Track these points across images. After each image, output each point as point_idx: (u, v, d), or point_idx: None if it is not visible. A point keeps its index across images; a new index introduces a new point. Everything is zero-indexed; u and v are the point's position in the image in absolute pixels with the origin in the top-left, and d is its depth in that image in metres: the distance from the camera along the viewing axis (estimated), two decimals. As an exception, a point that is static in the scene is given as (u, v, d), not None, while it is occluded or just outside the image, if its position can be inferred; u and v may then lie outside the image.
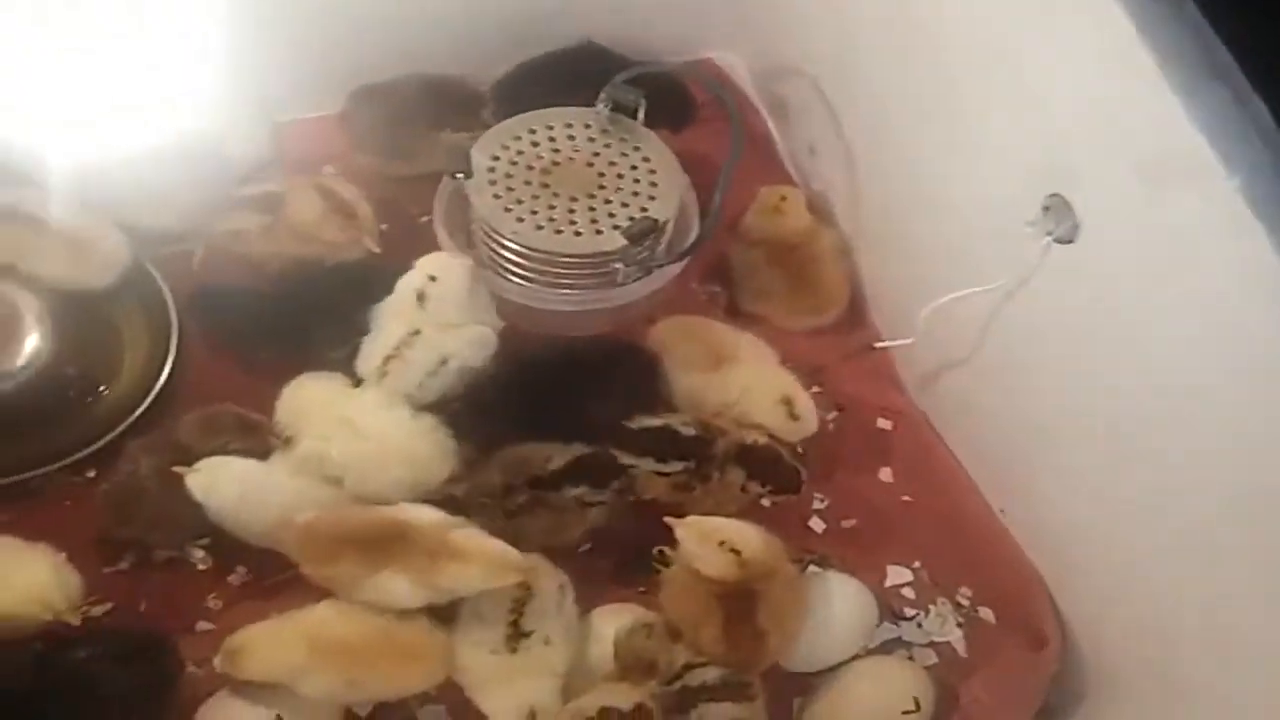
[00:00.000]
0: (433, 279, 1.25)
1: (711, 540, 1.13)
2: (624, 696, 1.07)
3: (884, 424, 1.40)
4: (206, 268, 1.41)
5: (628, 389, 1.27)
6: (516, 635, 1.12)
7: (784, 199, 1.44)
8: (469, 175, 1.31)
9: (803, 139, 1.58)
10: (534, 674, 1.12)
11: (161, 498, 1.18)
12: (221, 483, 1.17)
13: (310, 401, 1.24)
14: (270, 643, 1.09)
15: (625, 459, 1.22)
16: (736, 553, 1.12)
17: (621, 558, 1.25)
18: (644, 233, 1.28)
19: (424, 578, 1.10)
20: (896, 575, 1.28)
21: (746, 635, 1.12)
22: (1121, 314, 1.07)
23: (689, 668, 1.12)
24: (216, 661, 1.09)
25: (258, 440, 1.24)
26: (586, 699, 1.09)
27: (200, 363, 1.36)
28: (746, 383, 1.29)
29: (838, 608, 1.20)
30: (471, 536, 1.11)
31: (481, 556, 1.10)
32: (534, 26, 1.49)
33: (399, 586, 1.10)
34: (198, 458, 1.19)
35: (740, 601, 1.12)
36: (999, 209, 1.15)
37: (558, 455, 1.19)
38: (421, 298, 1.24)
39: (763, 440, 1.24)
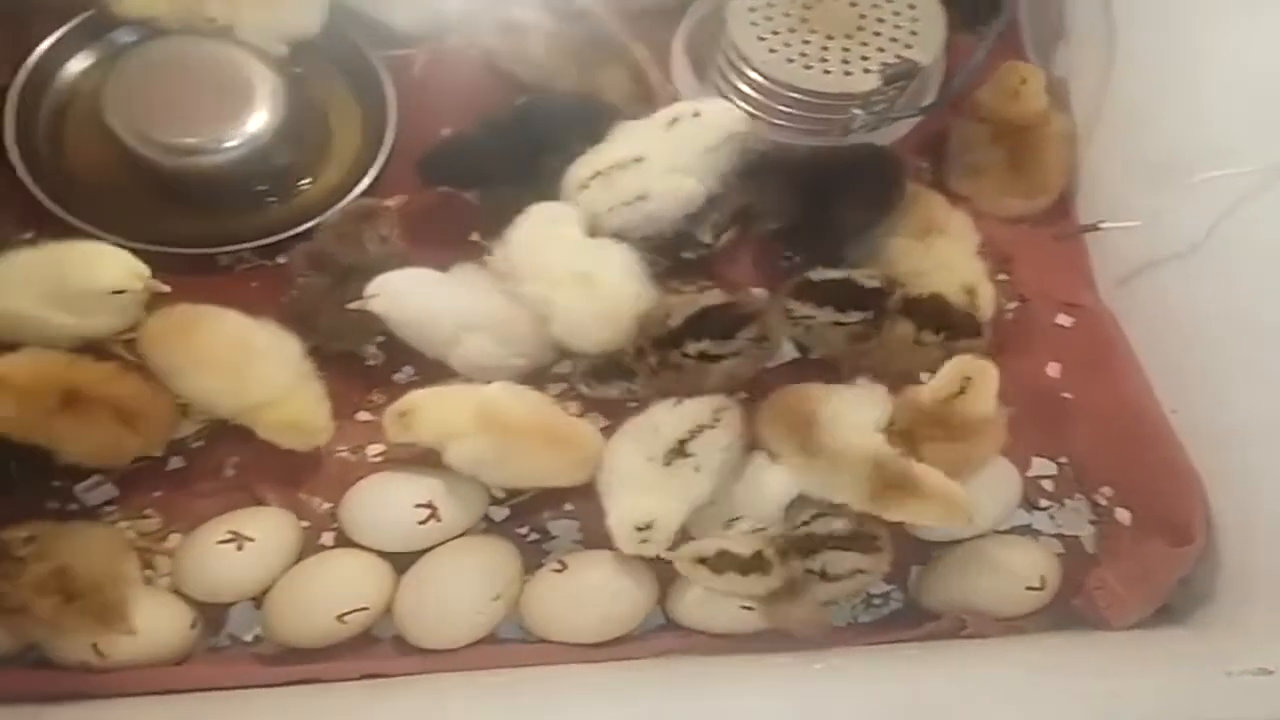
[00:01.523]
0: (696, 114, 1.24)
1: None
2: (745, 544, 1.10)
3: (1064, 320, 1.37)
4: (427, 73, 1.42)
5: (870, 194, 1.26)
6: (677, 453, 1.13)
7: (1025, 80, 1.38)
8: None
9: (1055, 19, 1.49)
10: (670, 494, 1.13)
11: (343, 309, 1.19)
12: (401, 297, 1.19)
13: (544, 237, 1.22)
14: (439, 405, 1.14)
15: (804, 310, 1.21)
16: None
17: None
18: (902, 75, 1.28)
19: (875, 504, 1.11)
20: (1040, 467, 1.29)
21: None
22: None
23: (818, 516, 1.13)
24: (385, 426, 1.15)
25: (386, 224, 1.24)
26: (707, 541, 1.12)
27: (409, 170, 1.34)
28: (942, 259, 1.27)
29: (979, 483, 1.17)
30: (932, 473, 1.11)
31: (942, 497, 1.10)
32: None
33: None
34: (342, 265, 1.21)
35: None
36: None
37: (677, 311, 1.18)
38: (674, 122, 1.24)
39: (929, 293, 1.23)
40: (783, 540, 1.10)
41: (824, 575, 1.10)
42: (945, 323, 1.20)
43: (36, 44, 1.36)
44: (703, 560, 1.10)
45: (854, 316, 1.20)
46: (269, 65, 1.32)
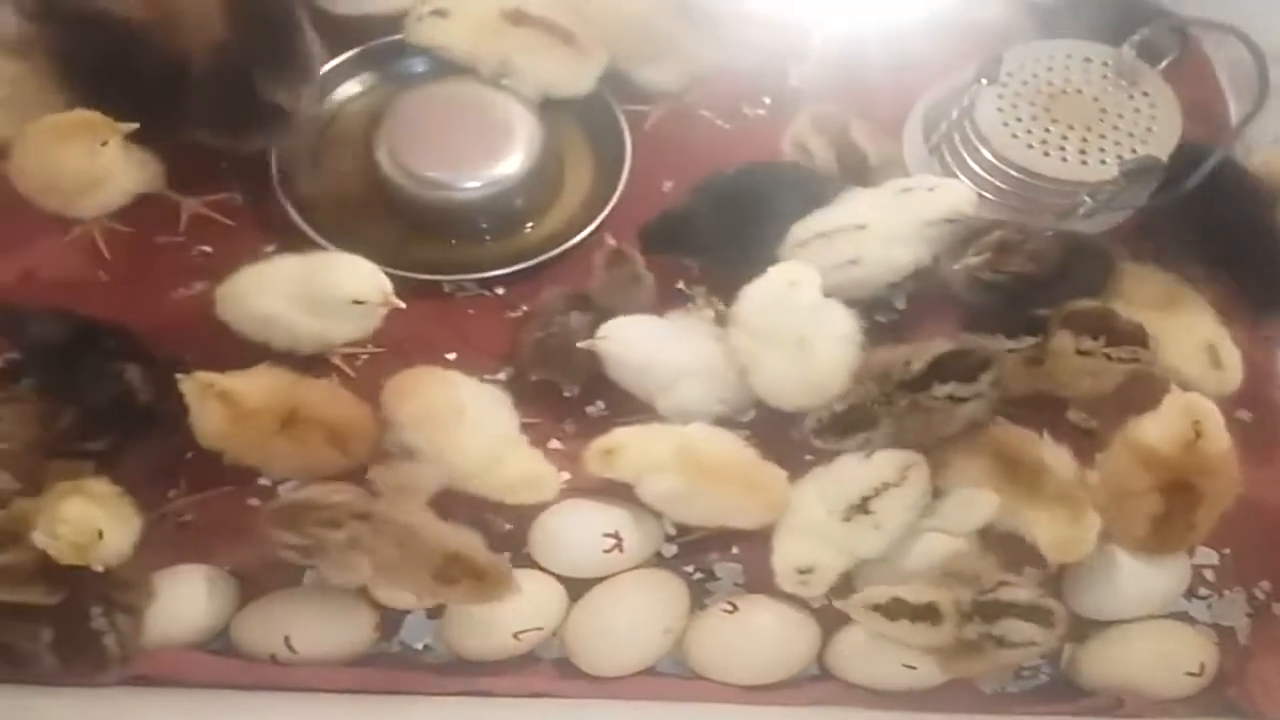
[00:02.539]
0: (931, 189, 1.30)
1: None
2: (917, 593, 1.12)
3: (1243, 414, 1.34)
4: (658, 129, 1.49)
5: (1079, 282, 1.26)
6: (860, 509, 1.15)
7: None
8: (993, 80, 1.37)
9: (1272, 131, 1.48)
10: (840, 548, 1.16)
11: (578, 350, 1.25)
12: (632, 342, 1.24)
13: (780, 299, 1.24)
14: (643, 443, 1.19)
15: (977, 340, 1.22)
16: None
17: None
18: (1143, 170, 1.32)
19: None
20: (1203, 556, 1.29)
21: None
22: None
23: (1003, 584, 1.13)
24: (587, 460, 1.18)
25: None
26: (880, 589, 1.13)
27: (629, 221, 1.39)
28: (1174, 326, 1.27)
29: (1149, 566, 1.20)
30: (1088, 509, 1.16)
31: (1081, 525, 1.14)
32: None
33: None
34: (600, 306, 1.28)
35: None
36: None
37: (916, 357, 1.19)
38: (905, 192, 1.30)
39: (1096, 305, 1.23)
40: (970, 602, 1.11)
41: (1001, 642, 1.10)
42: (1105, 327, 1.19)
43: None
44: (876, 607, 1.11)
45: (1026, 341, 1.21)
46: (533, 115, 1.42)
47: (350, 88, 1.51)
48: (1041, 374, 1.22)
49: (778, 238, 1.30)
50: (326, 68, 1.47)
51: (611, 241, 1.32)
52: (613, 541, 1.19)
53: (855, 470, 1.17)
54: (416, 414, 1.17)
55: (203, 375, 1.15)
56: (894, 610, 1.10)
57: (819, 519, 1.16)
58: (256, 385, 1.17)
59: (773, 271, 1.23)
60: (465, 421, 1.18)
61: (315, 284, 1.22)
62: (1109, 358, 1.18)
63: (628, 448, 1.17)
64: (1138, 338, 1.19)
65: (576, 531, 1.20)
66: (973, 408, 1.18)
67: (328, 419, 1.18)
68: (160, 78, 1.33)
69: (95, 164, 1.29)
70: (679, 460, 1.16)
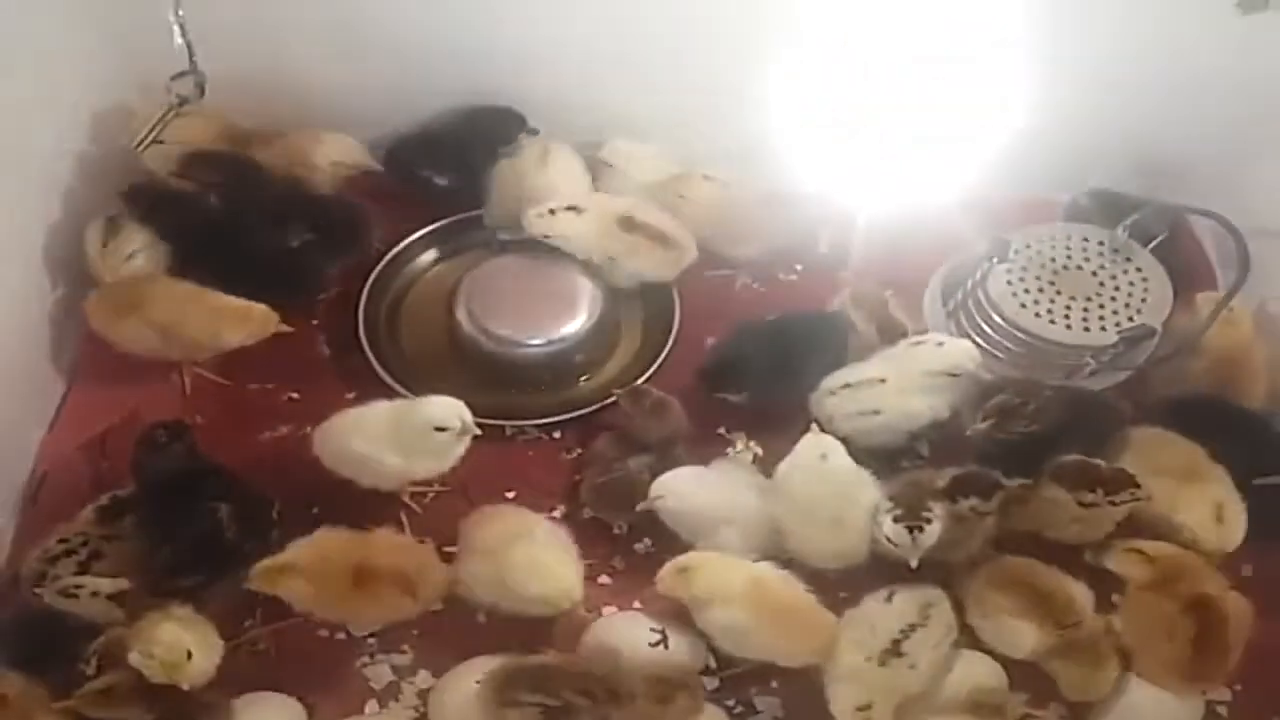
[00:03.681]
0: (940, 344, 1.45)
1: None
2: None
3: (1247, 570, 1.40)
4: (703, 290, 1.66)
5: (1089, 436, 1.35)
6: (893, 653, 1.21)
7: (1232, 309, 1.48)
8: (1002, 259, 1.51)
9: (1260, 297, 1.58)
10: (886, 690, 1.21)
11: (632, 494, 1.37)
12: (682, 497, 1.34)
13: (813, 472, 1.32)
14: (716, 569, 1.25)
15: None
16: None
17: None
18: (1139, 337, 1.47)
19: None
20: (1218, 693, 1.32)
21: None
22: None
23: (1028, 716, 1.19)
24: (661, 577, 1.25)
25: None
26: None
27: (679, 373, 1.55)
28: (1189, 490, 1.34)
29: (1167, 701, 1.25)
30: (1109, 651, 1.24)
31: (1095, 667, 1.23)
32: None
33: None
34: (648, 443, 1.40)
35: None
36: None
37: (938, 476, 1.29)
38: (916, 345, 1.45)
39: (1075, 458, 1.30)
40: None
41: None
42: (1097, 479, 1.27)
43: (406, 235, 1.66)
44: None
45: (1015, 482, 1.29)
46: (600, 289, 1.60)
47: (430, 255, 1.68)
48: (1026, 514, 1.31)
49: (811, 382, 1.43)
50: (409, 239, 1.66)
51: (619, 392, 1.44)
52: (658, 636, 1.25)
53: (881, 613, 1.24)
54: (487, 540, 1.28)
55: (263, 564, 1.22)
56: None
57: (860, 664, 1.21)
58: (320, 550, 1.24)
59: (803, 445, 1.33)
60: (521, 544, 1.26)
61: (406, 422, 1.32)
62: (1113, 504, 1.27)
63: (703, 569, 1.23)
64: (1129, 481, 1.28)
65: (628, 634, 1.26)
66: (990, 524, 1.27)
67: (395, 569, 1.25)
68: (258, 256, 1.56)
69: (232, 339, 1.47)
70: (748, 594, 1.22)
